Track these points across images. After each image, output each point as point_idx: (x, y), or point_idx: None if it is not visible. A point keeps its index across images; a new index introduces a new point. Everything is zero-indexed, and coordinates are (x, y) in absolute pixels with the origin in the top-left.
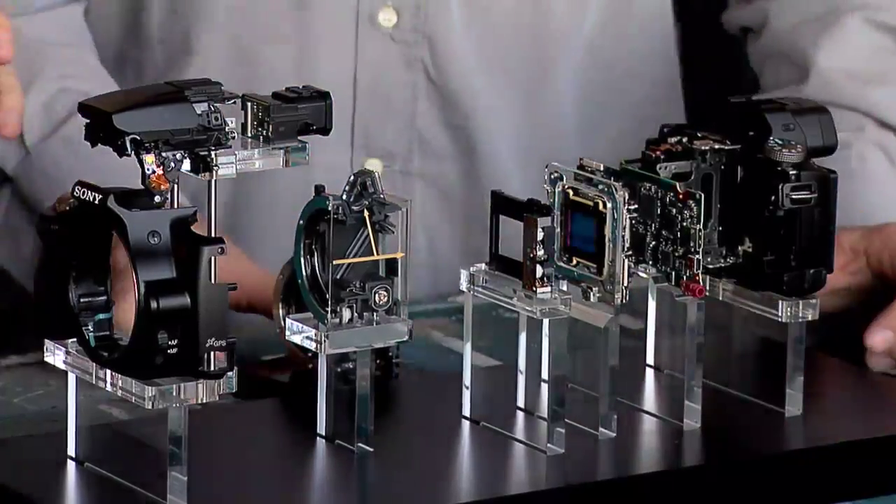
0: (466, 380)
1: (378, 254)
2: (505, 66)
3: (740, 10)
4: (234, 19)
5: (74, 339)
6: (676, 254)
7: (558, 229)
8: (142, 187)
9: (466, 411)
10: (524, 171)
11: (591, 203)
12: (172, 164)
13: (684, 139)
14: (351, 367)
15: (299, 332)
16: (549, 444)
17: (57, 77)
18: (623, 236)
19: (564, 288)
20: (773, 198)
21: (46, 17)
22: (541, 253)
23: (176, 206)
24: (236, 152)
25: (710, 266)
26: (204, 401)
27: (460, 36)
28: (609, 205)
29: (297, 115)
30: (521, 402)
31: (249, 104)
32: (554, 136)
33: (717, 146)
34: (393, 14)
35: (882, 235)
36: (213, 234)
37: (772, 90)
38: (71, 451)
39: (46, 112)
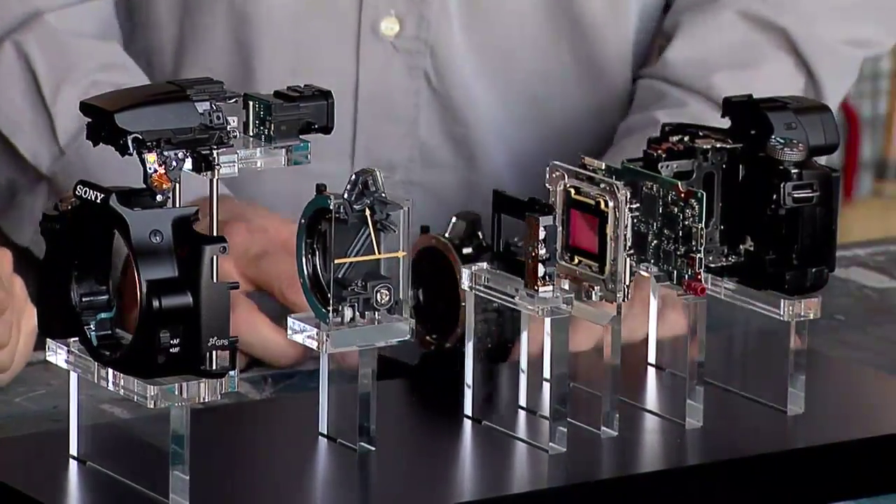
0: (468, 379)
1: (379, 253)
2: (506, 76)
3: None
4: (235, 21)
5: (76, 339)
6: (678, 253)
7: (560, 228)
8: (144, 186)
9: (468, 410)
10: (522, 179)
11: (592, 202)
12: (174, 163)
13: (686, 138)
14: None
15: (301, 332)
16: (551, 443)
17: (89, 70)
18: (625, 235)
19: (566, 287)
20: (774, 196)
21: (79, 10)
22: (542, 252)
23: (178, 205)
24: (238, 151)
25: (712, 265)
26: (206, 400)
27: (462, 45)
28: (611, 204)
29: (298, 113)
30: (522, 401)
31: (251, 103)
32: (554, 146)
33: (718, 145)
34: (395, 23)
35: None
36: (214, 233)
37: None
38: (73, 450)
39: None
